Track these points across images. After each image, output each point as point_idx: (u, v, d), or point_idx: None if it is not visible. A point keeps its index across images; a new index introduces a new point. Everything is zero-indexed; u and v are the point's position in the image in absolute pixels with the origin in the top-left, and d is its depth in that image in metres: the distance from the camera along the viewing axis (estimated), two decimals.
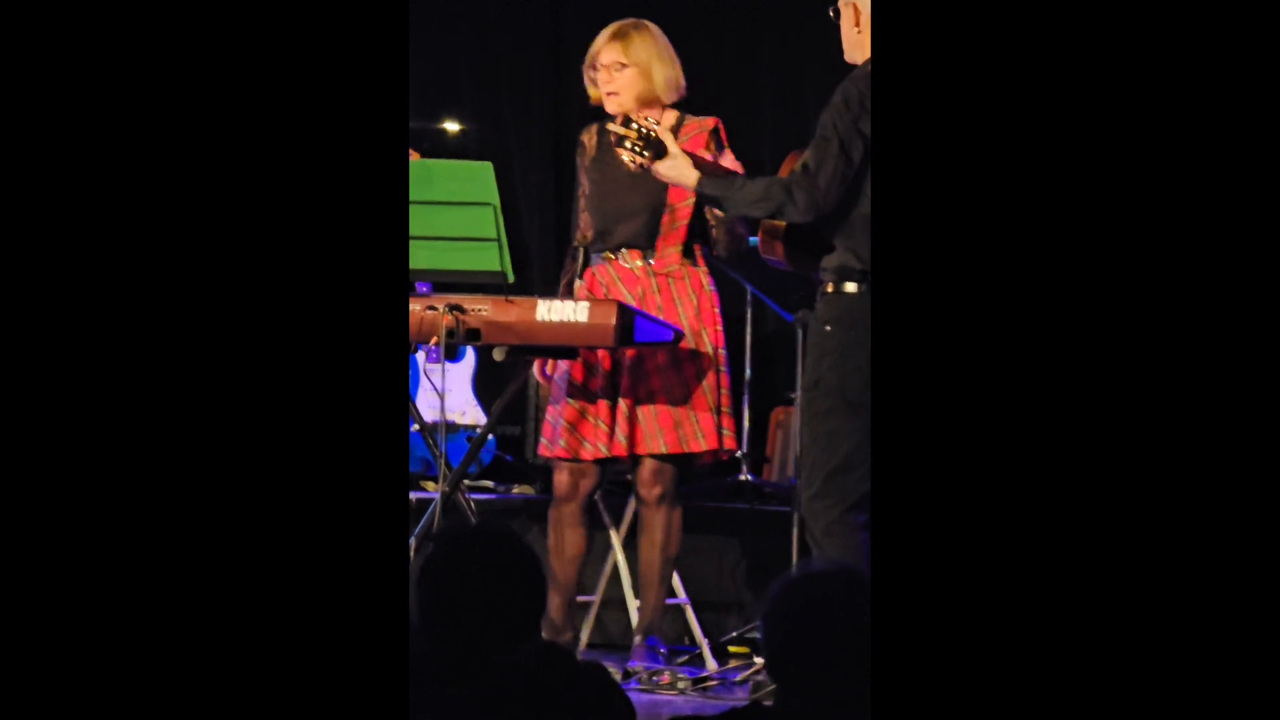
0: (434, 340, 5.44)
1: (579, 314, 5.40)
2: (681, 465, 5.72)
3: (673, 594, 6.12)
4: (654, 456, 5.62)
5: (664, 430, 5.60)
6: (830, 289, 4.92)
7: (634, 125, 5.11)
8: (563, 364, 5.71)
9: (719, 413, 5.67)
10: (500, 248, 5.35)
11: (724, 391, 5.71)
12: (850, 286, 4.85)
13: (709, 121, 5.71)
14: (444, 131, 6.22)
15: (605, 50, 5.67)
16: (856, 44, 4.98)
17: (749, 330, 7.45)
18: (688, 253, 5.69)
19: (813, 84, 7.60)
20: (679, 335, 5.54)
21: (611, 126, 5.27)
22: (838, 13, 4.99)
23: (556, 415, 5.68)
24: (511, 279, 5.49)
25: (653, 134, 5.09)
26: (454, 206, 5.40)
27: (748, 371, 7.43)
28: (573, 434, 5.62)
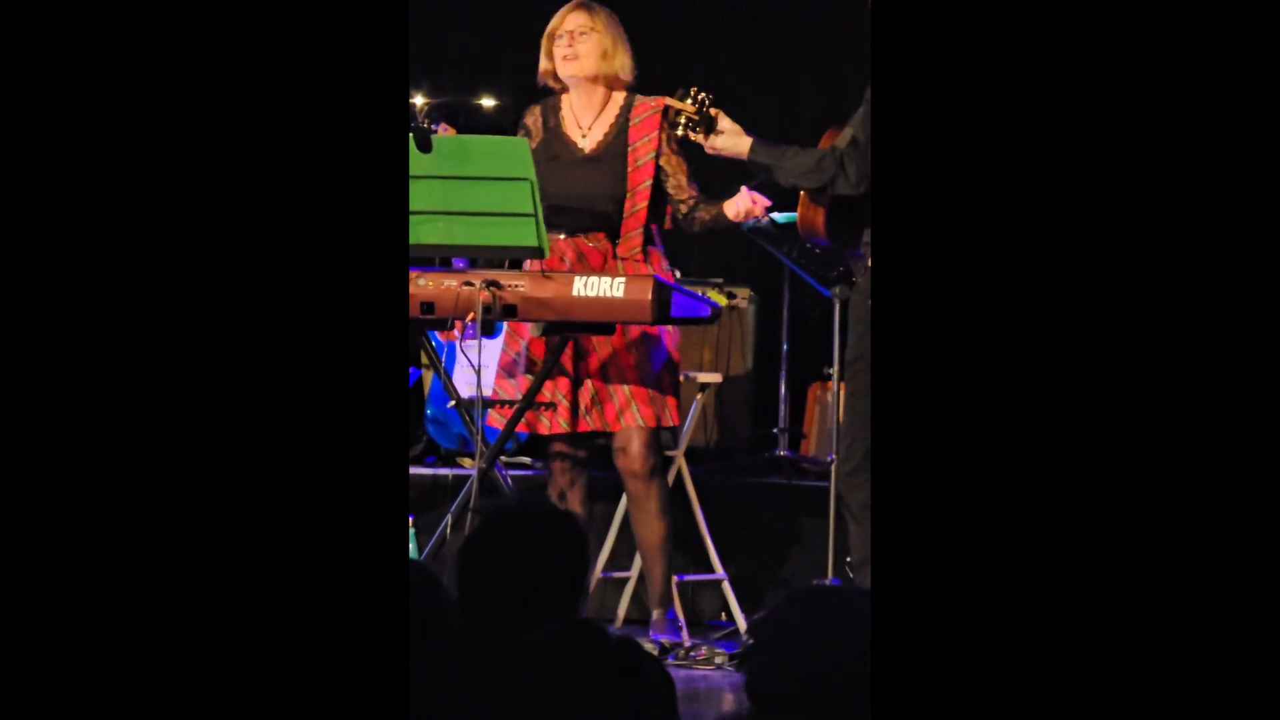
0: (470, 316, 5.44)
1: (615, 290, 5.40)
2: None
3: (711, 569, 6.12)
4: (634, 428, 5.66)
5: (639, 405, 5.68)
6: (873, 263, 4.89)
7: (689, 99, 5.09)
8: (507, 338, 5.75)
9: (676, 391, 5.77)
10: (537, 223, 5.35)
11: (676, 370, 5.82)
12: None
13: (659, 102, 5.73)
14: (481, 107, 6.20)
15: (570, 18, 5.73)
16: None
17: (785, 306, 7.43)
18: (646, 236, 5.73)
19: (851, 62, 7.58)
20: (717, 312, 5.52)
21: (669, 100, 5.27)
22: None
23: (514, 390, 5.71)
24: (547, 254, 5.48)
25: (707, 109, 5.08)
26: (490, 182, 5.39)
27: (784, 347, 7.42)
28: (529, 409, 5.64)
